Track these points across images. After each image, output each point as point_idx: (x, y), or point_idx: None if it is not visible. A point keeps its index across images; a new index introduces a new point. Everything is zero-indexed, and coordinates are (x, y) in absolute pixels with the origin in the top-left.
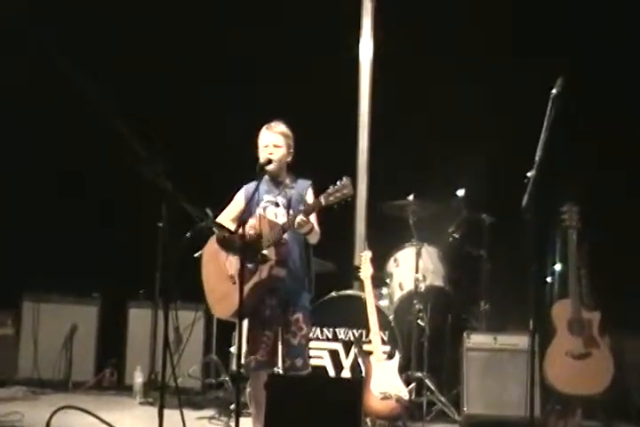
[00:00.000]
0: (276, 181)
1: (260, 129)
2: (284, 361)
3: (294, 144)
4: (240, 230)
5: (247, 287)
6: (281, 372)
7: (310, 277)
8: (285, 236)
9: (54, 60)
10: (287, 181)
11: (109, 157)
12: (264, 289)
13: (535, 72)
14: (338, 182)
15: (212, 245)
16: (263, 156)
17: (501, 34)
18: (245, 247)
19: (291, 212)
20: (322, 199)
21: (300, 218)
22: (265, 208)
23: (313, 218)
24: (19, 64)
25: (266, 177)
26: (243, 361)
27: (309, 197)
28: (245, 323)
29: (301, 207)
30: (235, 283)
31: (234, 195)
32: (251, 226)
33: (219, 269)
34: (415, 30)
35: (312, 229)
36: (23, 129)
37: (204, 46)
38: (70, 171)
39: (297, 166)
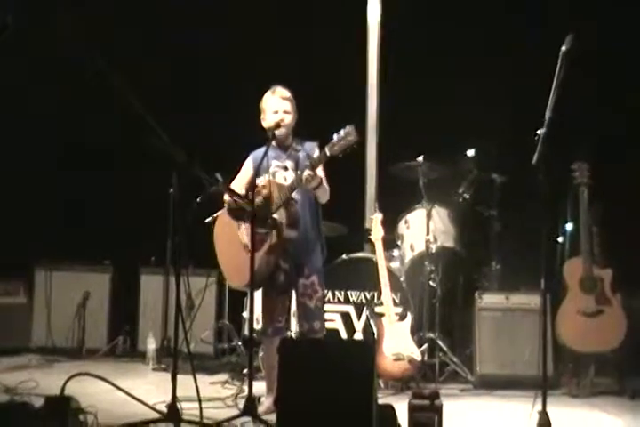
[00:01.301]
0: (283, 146)
1: (261, 96)
2: (300, 324)
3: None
4: (250, 195)
5: (261, 253)
6: (294, 336)
7: (322, 238)
8: (296, 197)
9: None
10: (294, 144)
11: (120, 126)
12: (277, 253)
13: (547, 30)
14: (341, 131)
15: (223, 218)
16: (272, 121)
17: None
18: (255, 212)
19: (299, 173)
20: (327, 150)
21: (307, 172)
22: (274, 173)
23: (321, 175)
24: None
25: (272, 143)
26: (257, 327)
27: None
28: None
29: (307, 162)
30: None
31: (242, 163)
32: (261, 186)
33: (232, 241)
34: None
35: (321, 183)
36: (30, 99)
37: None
38: (81, 141)
39: (305, 130)
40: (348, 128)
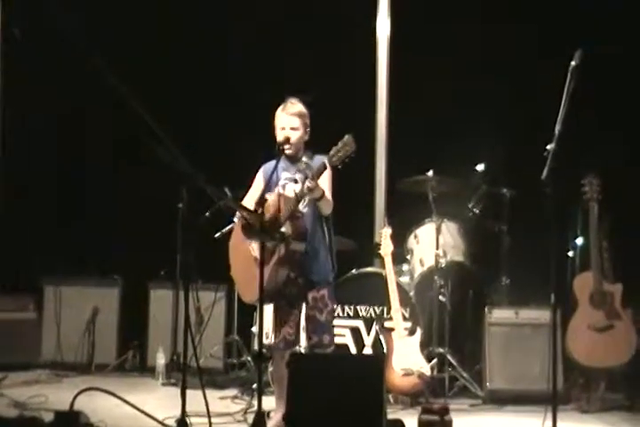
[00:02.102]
0: (294, 159)
1: (276, 107)
2: (310, 338)
3: (310, 120)
4: (259, 210)
5: (270, 266)
6: (303, 350)
7: (332, 252)
8: (302, 210)
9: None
10: (304, 158)
11: (129, 139)
12: (287, 265)
13: (556, 45)
14: (339, 142)
15: (237, 233)
16: (279, 137)
17: (525, 4)
18: (264, 227)
19: None
20: (326, 161)
21: (308, 182)
22: (284, 186)
23: (326, 188)
24: None
25: (283, 156)
26: (267, 341)
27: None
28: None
29: (309, 173)
30: None
31: (254, 177)
32: (269, 205)
33: (245, 255)
34: (433, 1)
35: (323, 194)
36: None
37: (219, 26)
38: (89, 154)
39: (315, 143)
40: (346, 138)
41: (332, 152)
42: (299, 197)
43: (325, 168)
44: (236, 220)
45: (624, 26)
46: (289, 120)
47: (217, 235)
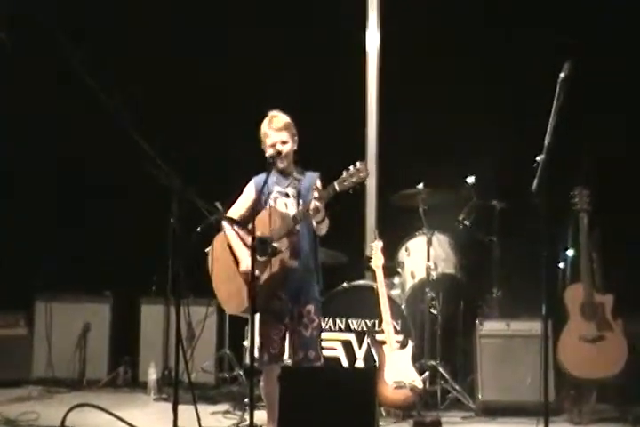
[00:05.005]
0: (285, 173)
1: (262, 118)
2: (295, 353)
3: (296, 131)
4: (250, 225)
5: (260, 281)
6: (290, 364)
7: (319, 268)
8: (297, 227)
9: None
10: (295, 173)
11: (119, 153)
12: (277, 281)
13: (545, 56)
14: (351, 167)
15: (219, 242)
16: (270, 153)
17: (511, 16)
18: (256, 242)
19: (301, 202)
20: (336, 185)
21: (314, 203)
22: (275, 199)
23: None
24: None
25: (274, 170)
26: (257, 356)
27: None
28: (257, 316)
29: (316, 194)
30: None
31: (243, 189)
32: (260, 219)
33: (228, 266)
34: (422, 15)
35: (325, 217)
36: (30, 125)
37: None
38: (78, 168)
39: (305, 158)
40: (359, 165)
41: (343, 176)
42: (298, 219)
43: (335, 192)
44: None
45: (614, 35)
46: (278, 135)
47: (208, 249)
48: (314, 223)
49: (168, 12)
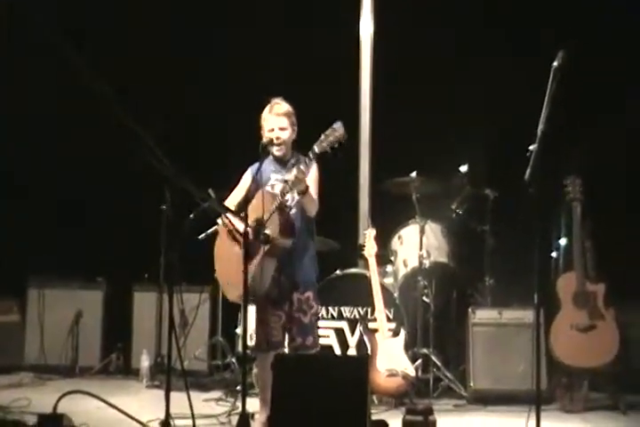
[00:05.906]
0: (283, 161)
1: (261, 107)
2: (293, 340)
3: (296, 119)
4: (243, 212)
5: (255, 263)
6: (287, 351)
7: (314, 253)
8: (290, 204)
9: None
10: (293, 160)
11: (111, 140)
12: (272, 261)
13: (538, 44)
14: (329, 129)
15: (222, 232)
16: (267, 138)
17: (505, 5)
18: (248, 228)
19: None
20: (315, 147)
21: (295, 170)
22: (273, 186)
23: (312, 189)
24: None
25: (272, 157)
26: (251, 342)
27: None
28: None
29: (301, 167)
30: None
31: (240, 177)
32: (253, 205)
33: (231, 253)
34: (415, 3)
35: (307, 188)
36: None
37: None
38: (72, 156)
39: (299, 145)
40: (336, 124)
41: (321, 138)
42: (285, 190)
43: (315, 154)
44: (219, 221)
45: (605, 27)
46: (277, 121)
47: (201, 236)
48: (296, 196)
49: (168, 12)
